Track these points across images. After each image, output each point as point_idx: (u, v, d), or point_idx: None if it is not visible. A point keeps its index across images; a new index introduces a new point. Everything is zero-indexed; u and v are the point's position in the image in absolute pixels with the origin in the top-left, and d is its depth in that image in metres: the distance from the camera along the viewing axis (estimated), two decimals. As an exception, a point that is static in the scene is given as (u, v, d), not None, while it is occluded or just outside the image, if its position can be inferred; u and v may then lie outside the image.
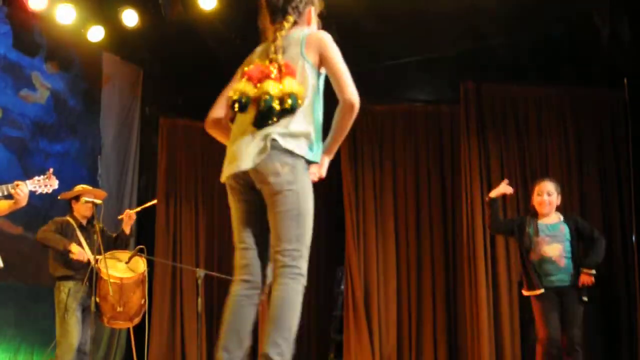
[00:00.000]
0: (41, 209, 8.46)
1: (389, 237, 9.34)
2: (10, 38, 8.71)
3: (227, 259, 10.19)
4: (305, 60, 3.68)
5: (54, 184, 6.37)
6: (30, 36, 8.97)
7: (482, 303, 8.46)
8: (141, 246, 7.40)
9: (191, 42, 9.58)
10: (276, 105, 3.53)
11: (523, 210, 8.65)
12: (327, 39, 3.76)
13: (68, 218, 7.44)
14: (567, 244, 6.56)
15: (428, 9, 8.49)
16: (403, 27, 8.95)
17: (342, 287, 9.58)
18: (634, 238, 8.11)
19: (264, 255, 3.72)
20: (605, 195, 8.57)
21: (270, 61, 3.66)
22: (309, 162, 3.66)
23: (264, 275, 3.73)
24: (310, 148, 3.64)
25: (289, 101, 3.52)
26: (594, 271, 6.45)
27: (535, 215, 6.72)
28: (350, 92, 3.70)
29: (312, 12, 3.96)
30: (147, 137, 10.45)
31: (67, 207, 7.55)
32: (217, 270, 9.48)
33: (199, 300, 6.98)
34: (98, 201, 7.17)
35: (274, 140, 3.54)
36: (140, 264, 7.35)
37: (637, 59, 8.14)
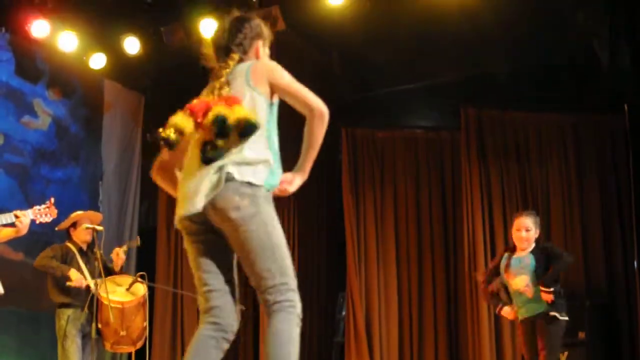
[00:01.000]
0: (42, 235, 8.45)
1: (390, 263, 9.33)
2: (12, 65, 8.75)
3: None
4: (253, 90, 3.52)
5: (54, 213, 6.41)
6: (33, 63, 9.01)
7: (484, 331, 8.44)
8: (142, 273, 7.39)
9: (192, 70, 9.59)
10: (231, 123, 3.31)
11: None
12: (272, 65, 3.62)
13: (68, 244, 7.44)
14: (532, 274, 6.51)
15: (429, 37, 8.54)
16: (404, 55, 9.00)
17: (344, 312, 9.54)
18: (635, 264, 8.09)
19: (231, 296, 3.55)
20: (606, 220, 8.56)
21: (215, 96, 3.52)
22: (270, 189, 3.44)
23: (233, 319, 3.57)
24: (271, 173, 3.46)
25: (245, 123, 3.31)
26: (551, 289, 6.40)
27: (513, 249, 6.70)
28: (313, 100, 3.57)
29: (260, 46, 3.82)
30: (148, 164, 10.45)
31: (66, 233, 7.55)
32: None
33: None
34: (99, 228, 7.16)
35: (228, 172, 3.30)
36: (140, 288, 7.34)
37: (637, 85, 8.17)
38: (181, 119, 3.49)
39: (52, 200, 6.45)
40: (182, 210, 3.44)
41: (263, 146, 3.45)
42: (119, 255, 7.52)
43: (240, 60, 3.68)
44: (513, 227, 6.74)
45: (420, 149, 9.63)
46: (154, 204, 10.31)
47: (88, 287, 7.17)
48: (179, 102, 10.37)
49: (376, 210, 9.50)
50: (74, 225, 7.44)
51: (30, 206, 6.48)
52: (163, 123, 3.58)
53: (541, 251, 6.64)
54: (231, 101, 3.39)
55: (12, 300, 8.07)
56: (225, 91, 3.53)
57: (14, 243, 8.09)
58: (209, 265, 3.47)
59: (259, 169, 3.38)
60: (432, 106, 9.95)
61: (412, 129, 9.81)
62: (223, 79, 3.61)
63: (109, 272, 7.43)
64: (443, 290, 9.25)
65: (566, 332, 7.32)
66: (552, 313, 6.42)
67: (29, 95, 8.90)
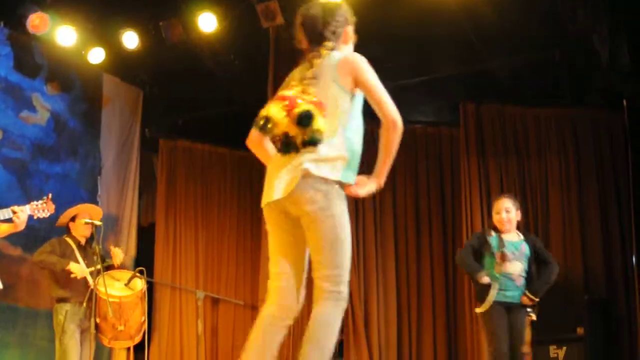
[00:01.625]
0: (40, 230, 8.44)
1: (389, 259, 9.34)
2: (11, 60, 8.73)
3: (226, 280, 10.18)
4: (337, 86, 3.71)
5: (52, 208, 6.42)
6: (31, 58, 9.00)
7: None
8: (141, 268, 7.39)
9: (191, 64, 9.61)
10: (298, 141, 3.56)
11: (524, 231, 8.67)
12: (359, 61, 3.78)
13: (66, 238, 7.43)
14: (526, 263, 6.56)
15: (428, 32, 8.52)
16: (404, 49, 8.98)
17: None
18: (634, 259, 8.09)
19: (298, 280, 3.74)
20: (604, 215, 8.56)
21: (304, 91, 3.66)
22: (344, 185, 3.66)
23: (294, 302, 3.73)
24: (347, 170, 3.66)
25: (313, 137, 3.52)
26: (537, 299, 6.48)
27: (496, 230, 6.69)
28: (390, 110, 3.80)
29: (349, 31, 3.99)
30: (146, 159, 10.46)
31: (65, 227, 7.55)
32: (217, 291, 9.49)
33: (199, 321, 6.96)
34: (98, 222, 7.16)
35: (305, 168, 3.55)
36: (138, 282, 7.33)
37: (636, 82, 8.16)
38: (274, 109, 3.64)
39: (50, 195, 6.45)
40: (266, 197, 3.78)
41: (341, 144, 3.65)
42: (117, 255, 7.51)
43: (332, 49, 3.82)
44: (493, 210, 6.76)
45: (419, 144, 9.63)
46: (152, 199, 10.30)
47: (87, 281, 7.17)
48: (177, 96, 10.39)
49: (375, 205, 9.50)
50: (74, 219, 7.44)
51: (29, 201, 6.48)
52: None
53: (532, 242, 6.69)
54: (319, 107, 3.55)
55: (11, 296, 8.08)
56: (313, 85, 3.67)
57: (12, 238, 8.08)
58: (283, 249, 3.74)
59: (336, 166, 3.61)
60: (431, 101, 9.95)
61: (411, 124, 9.77)
62: (313, 71, 3.73)
63: (107, 267, 7.43)
64: (442, 286, 9.26)
65: (565, 327, 7.39)
66: (532, 316, 6.51)
67: (28, 89, 8.89)
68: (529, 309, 6.52)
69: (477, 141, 8.96)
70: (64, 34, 8.83)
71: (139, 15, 9.12)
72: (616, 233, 8.47)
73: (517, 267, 6.52)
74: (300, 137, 3.54)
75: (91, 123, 9.70)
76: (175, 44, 9.08)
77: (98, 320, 7.04)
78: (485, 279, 6.44)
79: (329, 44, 3.82)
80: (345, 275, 3.63)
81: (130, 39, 9.09)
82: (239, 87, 10.12)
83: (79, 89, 9.55)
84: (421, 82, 9.65)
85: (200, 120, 10.61)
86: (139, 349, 7.80)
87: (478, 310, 6.63)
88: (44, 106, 9.04)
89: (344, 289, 3.63)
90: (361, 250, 9.32)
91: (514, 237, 6.67)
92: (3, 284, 6.18)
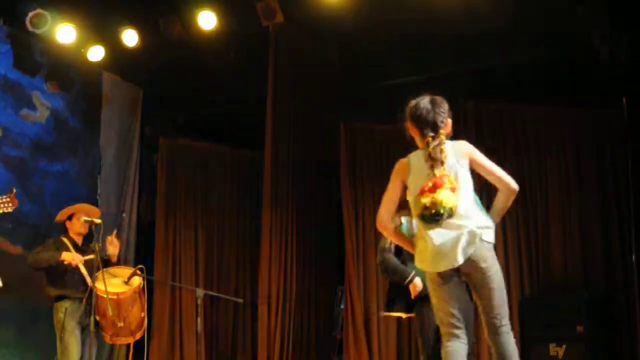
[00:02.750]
0: (40, 228, 8.46)
1: (388, 257, 9.32)
2: (10, 57, 8.73)
3: (226, 279, 10.18)
4: (461, 167, 4.55)
5: (15, 203, 6.36)
6: (31, 56, 9.00)
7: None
8: (140, 266, 7.38)
9: (191, 62, 9.61)
10: (446, 213, 4.40)
11: (523, 229, 8.68)
12: (471, 146, 4.70)
13: (62, 238, 7.42)
14: None
15: (429, 30, 8.53)
16: (404, 48, 8.99)
17: (342, 306, 9.55)
18: (633, 257, 8.10)
19: (468, 321, 4.70)
20: (604, 213, 8.55)
21: (440, 175, 4.48)
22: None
23: (471, 335, 4.78)
24: (494, 234, 4.55)
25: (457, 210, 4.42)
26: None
27: None
28: (508, 179, 4.71)
29: (450, 122, 4.77)
30: (146, 157, 10.47)
31: (63, 227, 7.55)
32: (217, 290, 9.48)
33: (199, 320, 6.96)
34: (97, 221, 7.14)
35: (480, 234, 4.42)
36: (136, 278, 7.33)
37: (636, 79, 8.16)
38: (446, 196, 4.44)
39: (14, 190, 6.40)
40: (441, 265, 4.47)
41: (484, 213, 4.58)
42: (112, 243, 7.49)
43: (447, 136, 4.69)
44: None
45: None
46: (152, 197, 10.30)
47: (84, 280, 7.16)
48: (177, 95, 10.38)
49: (375, 203, 9.45)
50: (70, 217, 7.44)
51: (29, 199, 6.47)
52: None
53: None
54: (453, 188, 4.44)
55: (11, 294, 8.06)
56: (442, 168, 4.52)
57: (12, 237, 8.10)
58: (454, 300, 4.58)
59: (491, 232, 4.51)
60: (431, 99, 9.93)
61: (410, 122, 9.78)
62: (442, 156, 4.56)
63: (107, 264, 7.42)
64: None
65: (564, 326, 7.39)
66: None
67: (27, 87, 8.89)
68: None
69: (476, 139, 8.92)
70: (63, 32, 8.84)
71: (139, 13, 9.13)
72: (616, 231, 8.46)
73: None
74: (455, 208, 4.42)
75: (91, 121, 9.70)
76: (175, 42, 9.09)
77: (98, 317, 7.04)
78: (419, 283, 5.87)
79: (442, 132, 4.65)
80: (507, 312, 4.55)
81: (130, 37, 9.09)
82: (239, 85, 10.13)
83: (78, 87, 9.55)
84: (420, 81, 9.64)
85: (201, 119, 10.62)
86: (139, 347, 7.80)
87: (405, 315, 6.18)
88: (44, 104, 9.04)
89: (508, 321, 4.53)
90: (361, 247, 9.31)
91: None
92: (3, 281, 6.18)
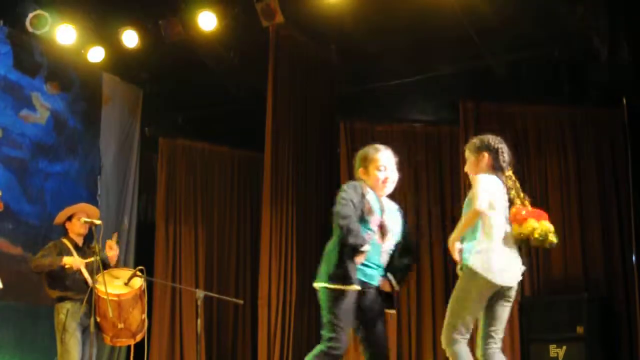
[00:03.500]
0: (40, 228, 8.46)
1: (388, 257, 9.33)
2: (10, 58, 8.73)
3: (225, 280, 10.18)
4: None
5: (1, 206, 6.35)
6: (31, 56, 9.00)
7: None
8: (141, 267, 7.38)
9: (191, 63, 9.62)
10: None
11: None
12: None
13: (63, 240, 7.42)
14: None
15: (428, 29, 8.53)
16: (403, 48, 8.99)
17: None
18: (633, 257, 8.10)
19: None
20: (604, 213, 8.55)
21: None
22: None
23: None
24: None
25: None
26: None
27: None
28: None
29: None
30: (146, 157, 10.47)
31: (62, 228, 7.55)
32: (217, 291, 9.47)
33: (199, 321, 6.95)
34: (97, 222, 7.13)
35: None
36: (137, 280, 7.32)
37: (635, 79, 8.16)
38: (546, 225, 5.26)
39: (0, 193, 6.39)
40: (513, 279, 5.02)
41: None
42: (112, 248, 7.49)
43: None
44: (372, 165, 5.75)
45: (418, 142, 9.62)
46: (152, 198, 10.30)
47: (85, 281, 7.16)
48: (176, 95, 10.39)
49: (375, 204, 9.49)
50: (70, 218, 7.43)
51: (29, 200, 6.47)
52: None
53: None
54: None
55: (11, 294, 8.07)
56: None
57: (12, 237, 8.10)
58: (494, 316, 5.10)
59: None
60: (431, 100, 9.95)
61: (410, 122, 9.80)
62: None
63: (106, 267, 7.41)
64: (441, 285, 9.25)
65: (565, 326, 7.39)
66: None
67: (27, 88, 8.89)
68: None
69: (476, 140, 8.94)
70: (63, 33, 8.84)
71: (139, 14, 9.13)
72: (616, 231, 8.46)
73: (391, 245, 5.29)
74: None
75: (91, 122, 9.71)
76: (174, 43, 9.10)
77: (98, 318, 7.03)
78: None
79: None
80: None
81: (130, 38, 9.10)
82: (239, 85, 10.13)
83: (78, 88, 9.55)
84: (421, 80, 9.66)
85: (200, 119, 10.62)
86: (139, 348, 7.80)
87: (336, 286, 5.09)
88: (44, 105, 9.05)
89: None
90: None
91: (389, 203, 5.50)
92: (3, 282, 6.18)
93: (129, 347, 8.30)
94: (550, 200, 8.68)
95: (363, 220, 5.13)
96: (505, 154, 5.50)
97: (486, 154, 5.52)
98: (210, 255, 10.15)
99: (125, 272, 7.42)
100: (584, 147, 8.77)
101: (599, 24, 8.13)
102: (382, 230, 5.19)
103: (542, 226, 5.16)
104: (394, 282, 5.22)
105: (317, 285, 5.23)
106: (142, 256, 9.71)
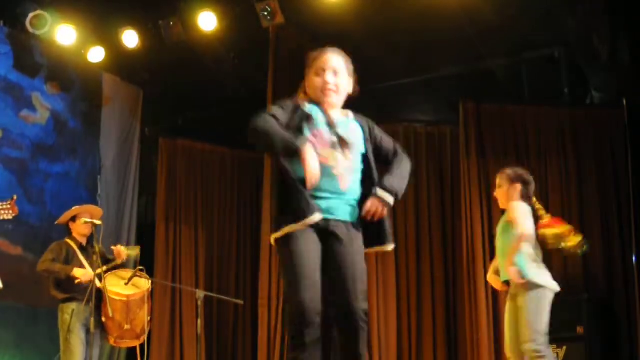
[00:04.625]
0: (40, 229, 8.46)
1: (388, 256, 9.32)
2: (10, 59, 8.74)
3: (226, 280, 10.18)
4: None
5: (16, 211, 6.34)
6: (31, 57, 9.00)
7: (482, 323, 8.44)
8: (141, 267, 7.38)
9: (191, 63, 9.61)
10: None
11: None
12: None
13: (67, 240, 7.42)
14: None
15: (428, 30, 8.52)
16: (404, 48, 8.99)
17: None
18: (634, 258, 8.10)
19: None
20: (604, 214, 8.56)
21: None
22: None
23: None
24: None
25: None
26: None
27: None
28: None
29: None
30: (146, 158, 10.46)
31: (65, 228, 7.55)
32: (217, 291, 9.47)
33: (199, 321, 6.96)
34: (98, 222, 7.14)
35: None
36: (143, 281, 7.33)
37: (636, 80, 8.16)
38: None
39: (15, 197, 6.40)
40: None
41: None
42: (119, 254, 7.49)
43: None
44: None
45: (419, 143, 9.62)
46: (152, 198, 10.30)
47: (92, 281, 7.17)
48: (177, 96, 10.37)
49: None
50: (74, 219, 7.44)
51: (29, 200, 6.47)
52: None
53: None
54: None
55: (11, 295, 8.06)
56: None
57: (12, 237, 8.10)
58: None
59: None
60: (431, 100, 9.96)
61: (410, 123, 9.80)
62: None
63: (108, 263, 7.42)
64: (441, 284, 9.25)
65: (564, 327, 7.38)
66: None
67: (28, 89, 8.89)
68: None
69: (477, 140, 8.95)
70: (63, 33, 8.85)
71: (139, 15, 9.13)
72: (616, 232, 8.46)
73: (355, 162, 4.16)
74: None
75: (91, 122, 9.71)
76: (175, 43, 9.09)
77: (104, 319, 7.04)
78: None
79: None
80: None
81: (130, 38, 9.10)
82: (239, 86, 10.13)
83: (78, 89, 9.55)
84: (421, 81, 9.66)
85: (201, 120, 10.61)
86: (139, 348, 7.79)
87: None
88: (44, 105, 9.04)
89: None
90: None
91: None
92: (3, 283, 6.17)
93: (129, 347, 8.31)
94: (550, 200, 8.66)
95: (299, 132, 3.81)
96: (532, 185, 6.12)
97: (519, 186, 6.08)
98: (211, 255, 10.15)
99: (128, 274, 7.43)
100: (584, 148, 8.77)
101: (599, 24, 8.13)
102: (342, 144, 3.88)
103: (559, 229, 6.05)
104: (380, 201, 3.90)
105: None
106: (142, 256, 9.70)
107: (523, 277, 5.72)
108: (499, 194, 6.22)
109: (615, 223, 8.48)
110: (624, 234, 8.40)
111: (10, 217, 6.32)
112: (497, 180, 6.28)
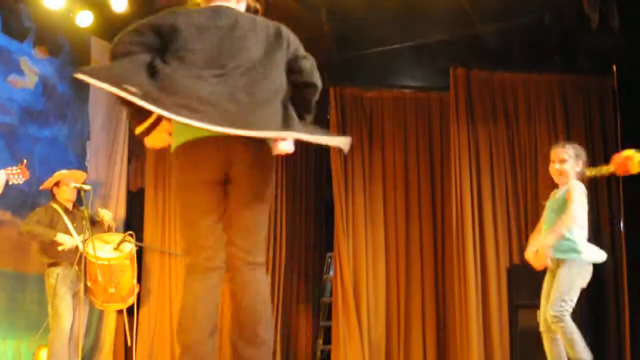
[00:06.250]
0: (28, 194, 8.43)
1: (377, 224, 9.36)
2: (-2, 23, 8.66)
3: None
4: None
5: (26, 175, 6.39)
6: (19, 21, 8.92)
7: (470, 290, 8.49)
8: (130, 232, 7.39)
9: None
10: None
11: (512, 197, 8.71)
12: None
13: (53, 204, 7.42)
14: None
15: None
16: (393, 14, 8.95)
17: (332, 273, 9.60)
18: (622, 225, 8.14)
19: None
20: (593, 180, 8.58)
21: None
22: None
23: None
24: None
25: None
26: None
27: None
28: None
29: None
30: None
31: (50, 193, 7.55)
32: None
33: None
34: (87, 187, 7.14)
35: None
36: (127, 245, 7.35)
37: (626, 47, 8.16)
38: None
39: (25, 162, 6.42)
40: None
41: None
42: (105, 216, 7.51)
43: None
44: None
45: (408, 109, 9.62)
46: (142, 163, 10.27)
47: (77, 247, 7.18)
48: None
49: (364, 170, 9.51)
50: (57, 184, 7.43)
51: (17, 165, 6.46)
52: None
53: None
54: None
55: (0, 260, 8.08)
56: None
57: (1, 202, 8.06)
58: None
59: None
60: (421, 66, 9.95)
61: (400, 88, 9.80)
62: None
63: (95, 225, 7.43)
64: (430, 249, 9.30)
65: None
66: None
67: (16, 53, 8.82)
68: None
69: (466, 106, 8.95)
70: (52, -3, 8.77)
71: (128, -22, 9.05)
72: (605, 199, 8.50)
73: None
74: None
75: (80, 87, 9.62)
76: (164, 7, 9.00)
77: (89, 283, 7.07)
78: None
79: None
80: None
81: (119, 2, 9.01)
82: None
83: (67, 53, 9.48)
84: (411, 47, 9.64)
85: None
86: (128, 312, 7.83)
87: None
88: (32, 70, 8.98)
89: None
90: (350, 213, 9.34)
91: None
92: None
93: (119, 311, 8.34)
94: (539, 166, 8.70)
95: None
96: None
97: (581, 163, 6.16)
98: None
99: (116, 237, 7.46)
100: (573, 115, 8.79)
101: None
102: None
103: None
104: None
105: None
106: (131, 221, 9.71)
107: (576, 253, 5.81)
108: (562, 169, 6.13)
109: (605, 191, 8.51)
110: (612, 202, 8.44)
111: (21, 181, 6.35)
112: (559, 155, 6.16)
